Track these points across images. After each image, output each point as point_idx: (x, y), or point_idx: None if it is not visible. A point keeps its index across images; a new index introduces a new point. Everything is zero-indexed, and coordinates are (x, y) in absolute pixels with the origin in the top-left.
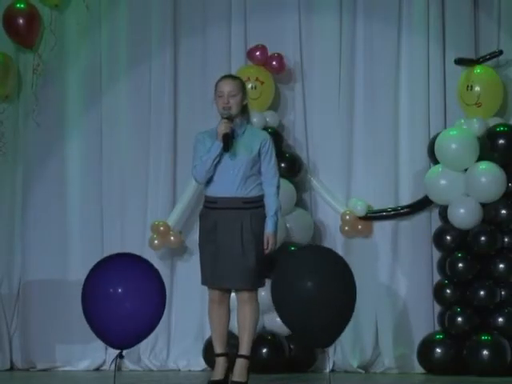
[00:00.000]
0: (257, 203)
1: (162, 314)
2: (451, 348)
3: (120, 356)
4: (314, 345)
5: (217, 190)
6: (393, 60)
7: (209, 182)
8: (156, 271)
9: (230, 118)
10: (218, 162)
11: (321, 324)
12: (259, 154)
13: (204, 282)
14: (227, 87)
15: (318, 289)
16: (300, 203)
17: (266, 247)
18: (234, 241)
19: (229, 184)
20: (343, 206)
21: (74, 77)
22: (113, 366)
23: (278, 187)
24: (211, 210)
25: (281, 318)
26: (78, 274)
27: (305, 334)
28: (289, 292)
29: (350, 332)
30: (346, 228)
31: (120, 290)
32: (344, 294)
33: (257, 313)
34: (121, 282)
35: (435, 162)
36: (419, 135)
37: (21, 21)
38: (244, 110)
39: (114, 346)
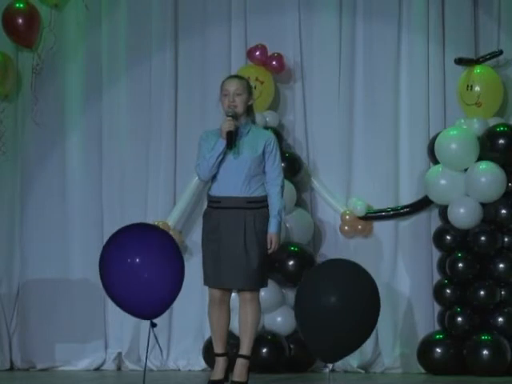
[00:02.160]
0: (261, 203)
1: (183, 279)
2: (451, 348)
3: (152, 325)
4: (322, 359)
5: (221, 190)
6: (393, 60)
7: (213, 181)
8: (171, 237)
9: (234, 117)
10: (222, 161)
11: (336, 339)
12: (263, 153)
13: (206, 281)
14: (233, 86)
15: (340, 305)
16: (300, 203)
17: (269, 247)
18: (236, 240)
19: (233, 183)
20: (343, 206)
21: (74, 76)
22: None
23: (282, 187)
24: (215, 209)
25: (299, 328)
26: (78, 273)
27: (317, 347)
28: (311, 305)
29: None
30: (346, 228)
31: (137, 260)
32: (366, 314)
33: (258, 313)
34: (138, 251)
35: (435, 161)
36: (419, 135)
37: (20, 20)
38: (249, 110)
39: (140, 317)
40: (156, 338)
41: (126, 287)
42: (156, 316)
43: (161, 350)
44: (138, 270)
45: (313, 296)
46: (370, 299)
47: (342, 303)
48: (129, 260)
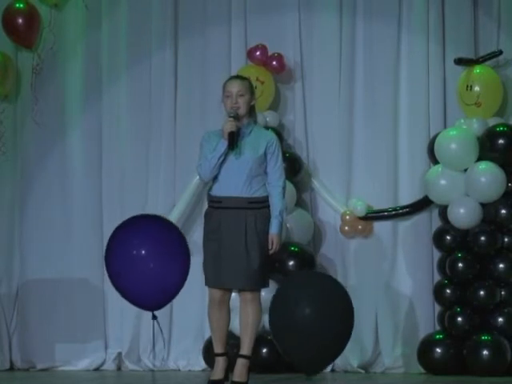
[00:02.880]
0: (262, 203)
1: (188, 269)
2: (451, 348)
3: (153, 317)
4: (304, 371)
5: (222, 190)
6: (393, 60)
7: (214, 181)
8: (176, 228)
9: (236, 117)
10: (224, 161)
11: (313, 352)
12: (265, 154)
13: (207, 282)
14: (235, 88)
15: (315, 316)
16: (300, 203)
17: (270, 248)
18: (237, 241)
19: (234, 184)
20: (343, 206)
21: (74, 76)
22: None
23: (284, 188)
24: (216, 209)
25: (275, 342)
26: (78, 273)
27: (296, 360)
28: (286, 318)
29: None
30: (346, 228)
31: (143, 252)
32: (340, 324)
33: (259, 314)
34: (144, 242)
35: (435, 162)
36: (419, 135)
37: (20, 20)
38: (251, 111)
39: (144, 308)
40: (160, 330)
41: (132, 277)
42: (160, 307)
43: (164, 344)
44: (144, 260)
45: (286, 308)
46: (343, 311)
47: (315, 315)
48: (134, 251)
